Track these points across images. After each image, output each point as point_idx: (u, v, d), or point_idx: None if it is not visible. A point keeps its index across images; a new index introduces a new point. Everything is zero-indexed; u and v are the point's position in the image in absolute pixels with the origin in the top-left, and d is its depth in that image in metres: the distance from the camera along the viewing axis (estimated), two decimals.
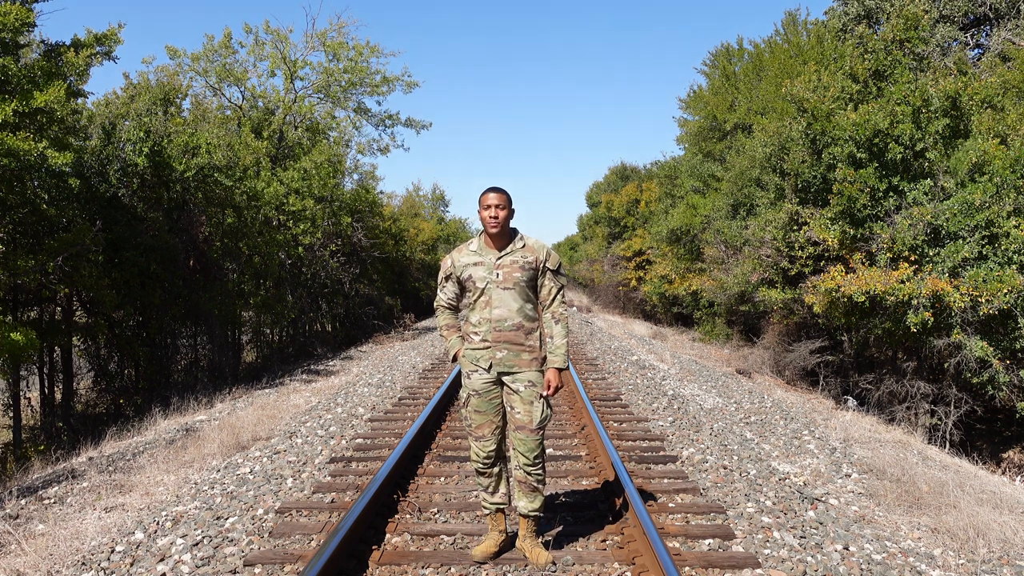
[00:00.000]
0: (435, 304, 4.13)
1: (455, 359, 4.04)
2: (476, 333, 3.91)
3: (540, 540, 4.10)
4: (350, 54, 22.52)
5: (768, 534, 4.41)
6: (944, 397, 10.77)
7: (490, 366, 3.89)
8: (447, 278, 4.03)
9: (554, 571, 3.90)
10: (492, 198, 3.81)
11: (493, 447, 3.96)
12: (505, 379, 3.90)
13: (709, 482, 5.48)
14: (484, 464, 3.99)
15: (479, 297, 3.89)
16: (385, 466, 5.22)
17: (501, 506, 4.06)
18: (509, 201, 3.85)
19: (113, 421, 10.43)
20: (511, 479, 4.44)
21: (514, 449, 3.94)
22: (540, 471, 3.94)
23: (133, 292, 12.09)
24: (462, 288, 4.02)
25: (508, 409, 3.94)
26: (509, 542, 4.12)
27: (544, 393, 3.89)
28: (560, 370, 3.91)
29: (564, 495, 5.12)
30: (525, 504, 3.97)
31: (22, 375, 11.68)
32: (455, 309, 4.11)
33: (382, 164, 73.70)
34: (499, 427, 3.97)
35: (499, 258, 3.87)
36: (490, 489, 4.03)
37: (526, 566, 3.94)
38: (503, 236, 3.88)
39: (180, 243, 13.25)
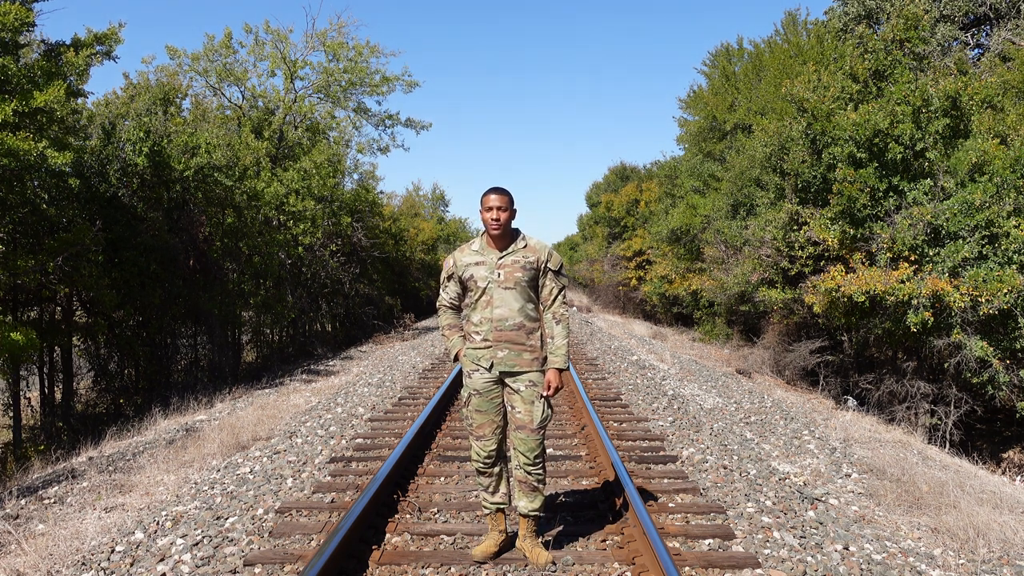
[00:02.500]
0: (437, 304, 4.15)
1: (456, 359, 4.05)
2: (477, 332, 3.91)
3: (540, 540, 4.10)
4: (350, 54, 22.52)
5: (768, 534, 4.41)
6: (944, 397, 10.77)
7: (491, 365, 3.89)
8: (449, 278, 4.04)
9: (554, 571, 3.90)
10: (494, 199, 3.82)
11: (494, 447, 3.96)
12: (506, 379, 3.91)
13: (709, 482, 5.48)
14: (484, 464, 3.99)
15: (480, 296, 3.90)
16: (385, 466, 5.22)
17: (501, 506, 4.06)
18: (511, 202, 3.86)
19: (113, 421, 10.42)
20: (511, 479, 4.42)
21: (515, 449, 3.94)
22: (540, 471, 3.95)
23: (133, 292, 12.09)
24: (464, 288, 4.02)
25: (509, 409, 3.94)
26: (509, 542, 4.12)
27: (544, 393, 3.89)
28: (560, 371, 3.90)
29: (564, 495, 5.12)
30: (525, 504, 3.98)
31: (22, 375, 11.68)
32: (457, 309, 4.12)
33: (382, 164, 73.79)
34: (500, 427, 3.98)
35: (500, 258, 3.88)
36: (490, 489, 4.04)
37: (526, 566, 3.94)
38: (505, 237, 3.89)
39: (180, 243, 13.25)
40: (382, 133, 32.55)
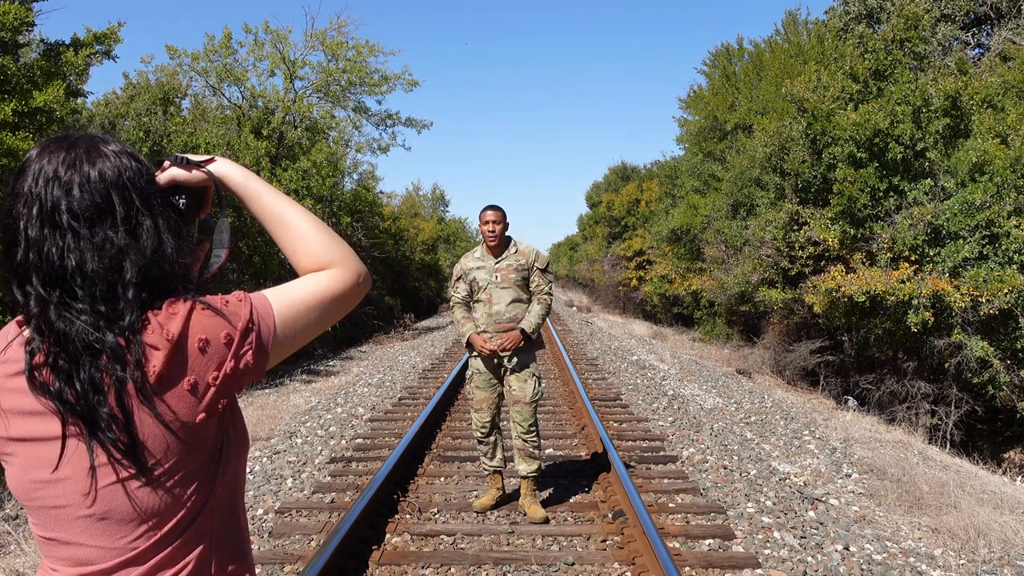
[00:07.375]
0: (451, 302, 4.89)
1: (468, 344, 4.67)
2: (479, 325, 4.65)
3: (537, 499, 4.73)
4: (349, 53, 22.49)
5: (768, 534, 4.41)
6: (944, 397, 10.77)
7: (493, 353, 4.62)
8: (458, 279, 4.80)
9: (555, 571, 3.90)
10: (490, 215, 4.59)
11: (488, 418, 4.75)
12: (504, 361, 4.64)
13: (709, 482, 5.48)
14: (482, 432, 4.77)
15: (481, 294, 4.66)
16: (385, 466, 5.22)
17: (498, 468, 4.84)
18: (504, 216, 4.62)
19: None
20: (513, 447, 4.91)
21: (513, 421, 4.70)
22: (535, 439, 4.71)
23: None
24: (470, 287, 4.74)
25: (506, 388, 4.70)
26: (505, 498, 4.88)
27: (505, 345, 4.52)
28: (524, 333, 4.52)
29: (564, 494, 5.12)
30: (524, 467, 4.71)
31: None
32: (467, 304, 4.81)
33: (382, 164, 73.96)
34: (495, 403, 4.76)
35: (496, 263, 4.64)
36: (488, 455, 4.82)
37: (525, 567, 3.94)
38: (500, 245, 4.66)
39: None
40: (382, 132, 32.41)
